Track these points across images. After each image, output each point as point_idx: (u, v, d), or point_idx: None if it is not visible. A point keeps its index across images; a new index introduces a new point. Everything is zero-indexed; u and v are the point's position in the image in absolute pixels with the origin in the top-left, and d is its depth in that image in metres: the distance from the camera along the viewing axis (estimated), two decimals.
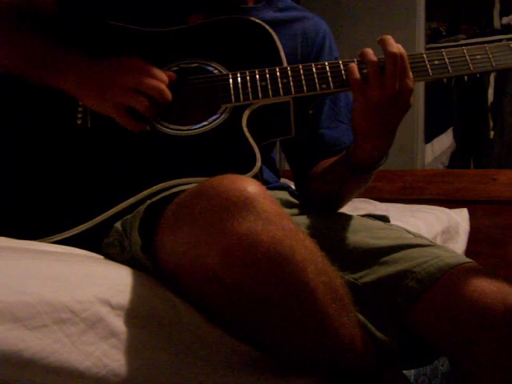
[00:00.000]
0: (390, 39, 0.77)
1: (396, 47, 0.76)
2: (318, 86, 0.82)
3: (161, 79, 0.80)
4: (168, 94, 0.80)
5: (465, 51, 0.81)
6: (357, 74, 0.78)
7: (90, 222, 0.75)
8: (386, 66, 0.76)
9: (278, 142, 1.03)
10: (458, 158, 3.13)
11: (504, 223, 2.26)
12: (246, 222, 0.52)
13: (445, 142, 3.15)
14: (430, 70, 0.81)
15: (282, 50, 0.87)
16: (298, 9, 1.03)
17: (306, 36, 0.98)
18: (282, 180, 1.05)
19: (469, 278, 0.64)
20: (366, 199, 2.24)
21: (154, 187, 0.75)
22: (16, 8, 0.90)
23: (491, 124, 3.04)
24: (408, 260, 0.70)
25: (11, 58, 0.86)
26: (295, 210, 0.90)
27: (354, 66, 0.78)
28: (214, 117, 0.82)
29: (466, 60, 0.81)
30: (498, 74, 2.97)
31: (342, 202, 0.93)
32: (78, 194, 0.79)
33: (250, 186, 0.55)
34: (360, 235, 0.78)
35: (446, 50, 0.82)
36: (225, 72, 0.85)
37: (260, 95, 0.82)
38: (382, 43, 0.77)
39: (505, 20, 3.07)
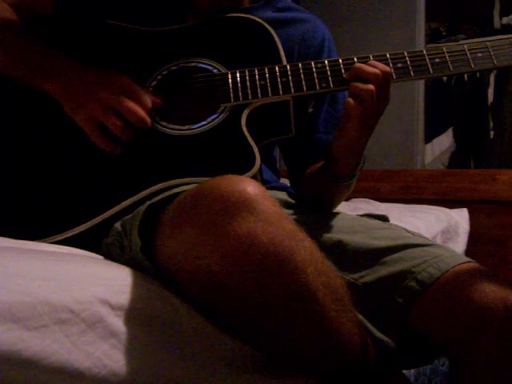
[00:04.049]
0: (364, 66, 0.79)
1: (375, 69, 0.78)
2: (317, 85, 0.82)
3: (143, 104, 0.79)
4: (147, 120, 0.79)
5: (466, 48, 0.81)
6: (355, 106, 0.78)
7: (89, 222, 0.75)
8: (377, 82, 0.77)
9: None
10: (457, 158, 3.13)
11: (504, 223, 2.26)
12: (246, 223, 0.52)
13: (445, 142, 3.15)
14: (430, 69, 0.81)
15: (281, 48, 0.87)
16: (298, 10, 1.02)
17: (304, 38, 0.97)
18: (282, 180, 1.05)
19: (469, 277, 0.64)
20: (366, 199, 2.24)
21: (154, 187, 0.75)
22: (13, 9, 0.90)
23: (491, 124, 3.04)
24: (408, 260, 0.70)
25: (3, 59, 0.86)
26: (294, 211, 0.90)
27: (350, 100, 0.78)
28: (213, 116, 0.82)
29: (467, 58, 0.81)
30: (498, 74, 2.97)
31: (331, 205, 0.94)
32: (77, 194, 0.79)
33: (249, 186, 0.55)
34: (360, 235, 0.77)
35: (446, 45, 0.82)
36: (224, 71, 0.85)
37: (259, 94, 0.82)
38: (360, 70, 0.78)
39: (505, 20, 3.07)
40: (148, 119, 0.79)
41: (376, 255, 0.72)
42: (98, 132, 0.79)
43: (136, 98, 0.79)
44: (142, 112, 0.78)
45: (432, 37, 3.23)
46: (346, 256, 0.74)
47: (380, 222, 0.85)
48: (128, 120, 0.78)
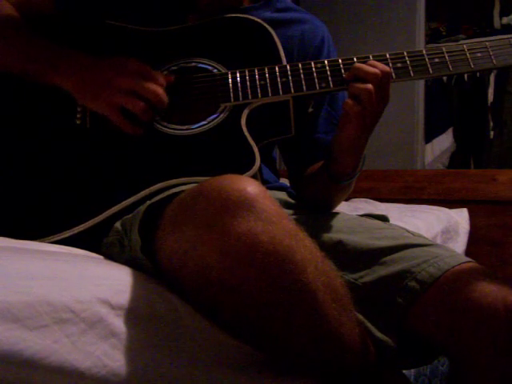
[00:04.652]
0: (364, 66, 0.79)
1: (374, 68, 0.78)
2: (317, 84, 0.82)
3: (159, 83, 0.80)
4: (165, 98, 0.80)
5: (465, 48, 0.81)
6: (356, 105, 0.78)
7: (89, 222, 0.75)
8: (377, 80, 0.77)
9: None
10: (458, 158, 3.13)
11: (504, 223, 2.26)
12: (246, 222, 0.52)
13: (445, 142, 3.15)
14: (430, 69, 0.81)
15: (281, 48, 0.87)
16: (298, 10, 1.02)
17: (303, 39, 0.97)
18: (282, 180, 1.05)
19: (469, 277, 0.64)
20: (366, 199, 2.25)
21: (154, 187, 0.75)
22: (17, 8, 0.90)
23: (491, 124, 3.04)
24: (408, 260, 0.70)
25: (11, 56, 0.86)
26: (294, 211, 0.90)
27: (349, 101, 0.78)
28: (213, 116, 0.82)
29: (467, 58, 0.81)
30: (498, 74, 2.97)
31: (331, 205, 0.94)
32: (77, 193, 0.79)
33: (249, 186, 0.55)
34: (360, 235, 0.78)
35: (446, 45, 0.82)
36: (224, 71, 0.85)
37: (259, 94, 0.82)
38: (360, 70, 0.78)
39: (505, 20, 3.07)
40: (166, 96, 0.80)
41: (376, 255, 0.72)
42: (120, 116, 0.79)
43: (150, 77, 0.80)
44: (159, 89, 0.79)
45: (432, 37, 3.23)
46: (345, 256, 0.74)
47: (380, 222, 0.85)
48: (148, 99, 0.79)
